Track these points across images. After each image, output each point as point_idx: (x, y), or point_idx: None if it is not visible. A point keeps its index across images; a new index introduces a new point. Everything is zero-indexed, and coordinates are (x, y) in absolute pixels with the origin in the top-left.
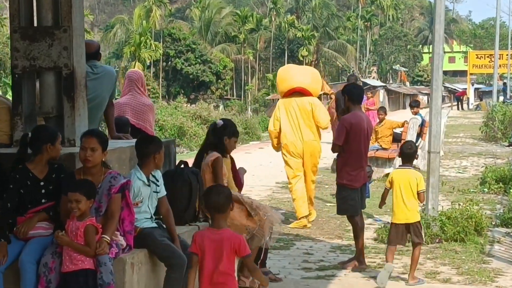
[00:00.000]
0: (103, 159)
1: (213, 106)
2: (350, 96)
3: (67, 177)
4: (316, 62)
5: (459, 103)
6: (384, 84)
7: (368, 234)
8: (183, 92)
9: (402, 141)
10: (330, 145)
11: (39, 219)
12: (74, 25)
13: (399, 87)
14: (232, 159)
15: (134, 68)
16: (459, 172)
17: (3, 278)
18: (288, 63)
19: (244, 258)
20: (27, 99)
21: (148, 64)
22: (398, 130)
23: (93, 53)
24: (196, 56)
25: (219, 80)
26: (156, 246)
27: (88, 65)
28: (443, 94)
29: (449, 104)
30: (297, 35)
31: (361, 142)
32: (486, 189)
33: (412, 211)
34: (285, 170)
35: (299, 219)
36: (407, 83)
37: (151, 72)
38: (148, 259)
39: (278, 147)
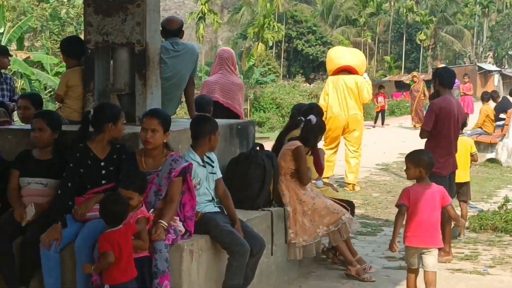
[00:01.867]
0: (165, 141)
1: None
2: (441, 80)
3: (128, 159)
4: (433, 46)
5: None
6: (499, 69)
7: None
8: (302, 72)
9: (505, 126)
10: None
11: (97, 201)
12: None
13: None
14: None
15: (257, 48)
16: None
17: (60, 259)
18: (406, 46)
19: (447, 207)
20: (100, 76)
21: (270, 44)
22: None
23: (175, 30)
24: (317, 38)
25: None
26: (218, 232)
27: (170, 42)
28: None
29: None
30: (415, 20)
31: (450, 127)
32: None
33: (466, 172)
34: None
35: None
36: None
37: (274, 52)
38: (210, 246)
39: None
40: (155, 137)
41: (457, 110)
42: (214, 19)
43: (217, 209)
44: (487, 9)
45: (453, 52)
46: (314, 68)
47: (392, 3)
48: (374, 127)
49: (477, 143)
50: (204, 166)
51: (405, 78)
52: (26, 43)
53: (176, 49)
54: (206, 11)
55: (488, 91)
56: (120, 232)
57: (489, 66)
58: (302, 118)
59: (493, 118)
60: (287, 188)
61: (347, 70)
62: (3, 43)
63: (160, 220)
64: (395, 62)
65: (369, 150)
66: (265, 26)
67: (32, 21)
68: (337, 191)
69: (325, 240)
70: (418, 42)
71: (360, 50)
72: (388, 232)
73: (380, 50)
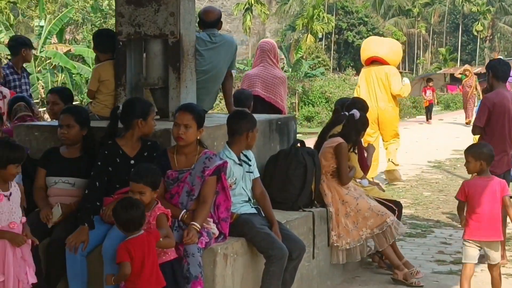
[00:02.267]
0: (198, 137)
1: None
2: (494, 72)
3: (159, 156)
4: (491, 37)
5: None
6: None
7: None
8: (353, 64)
9: None
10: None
11: None
12: None
13: None
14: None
15: (306, 40)
16: None
17: (86, 263)
18: (462, 37)
19: (505, 197)
20: (132, 69)
21: (320, 36)
22: None
23: (213, 21)
24: (368, 29)
25: None
26: (254, 235)
27: (207, 33)
28: None
29: None
30: (472, 10)
31: (505, 123)
32: None
33: None
34: None
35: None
36: None
37: (323, 45)
38: (246, 249)
39: None
40: (187, 133)
41: None
42: (261, 10)
43: (253, 210)
44: None
45: None
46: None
47: None
48: (428, 123)
49: None
50: (241, 165)
51: (457, 72)
52: (67, 36)
53: (214, 40)
54: (253, 2)
55: None
56: (141, 240)
57: None
58: (346, 113)
59: None
60: (328, 188)
61: (378, 61)
62: (43, 36)
63: (192, 222)
64: (450, 54)
65: (421, 147)
66: (314, 17)
67: (73, 13)
68: (384, 191)
69: (371, 243)
70: (475, 33)
71: (414, 41)
72: (439, 234)
73: (435, 42)
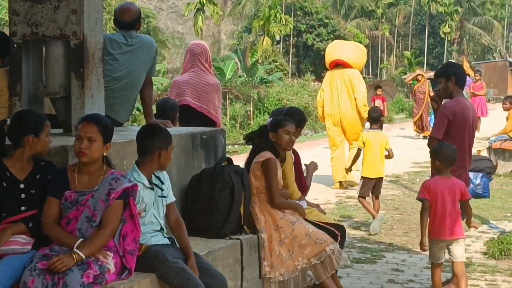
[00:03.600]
0: (104, 154)
1: None
2: (457, 78)
3: (56, 174)
4: (459, 39)
5: None
6: None
7: (477, 246)
8: (313, 69)
9: None
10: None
11: (15, 231)
12: None
13: None
14: (296, 155)
15: (262, 43)
16: None
17: None
18: (429, 39)
19: (467, 201)
20: (29, 76)
21: (277, 39)
22: None
23: (130, 22)
24: (329, 32)
25: None
26: (166, 270)
27: (122, 34)
28: None
29: None
30: (439, 11)
31: (465, 136)
32: None
33: (381, 168)
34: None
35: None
36: None
37: (281, 48)
38: (156, 287)
39: (323, 117)
40: (91, 147)
41: (472, 115)
42: (214, 11)
43: (166, 241)
44: None
45: (482, 46)
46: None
47: None
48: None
49: (502, 151)
50: (152, 189)
51: (408, 78)
52: None
53: (130, 42)
54: (205, 2)
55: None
56: None
57: None
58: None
59: None
60: (261, 211)
61: (342, 65)
62: None
63: (74, 249)
64: (416, 57)
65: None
66: (271, 18)
67: None
68: (325, 213)
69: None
70: (442, 35)
71: (378, 44)
72: (391, 259)
73: (400, 45)
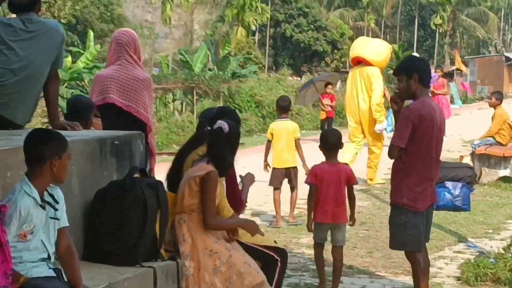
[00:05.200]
0: None
1: None
2: (422, 75)
3: None
4: (451, 32)
5: None
6: None
7: (450, 270)
8: (292, 63)
9: None
10: None
11: None
12: None
13: None
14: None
15: (236, 34)
16: None
17: None
18: (418, 31)
19: (352, 186)
20: None
21: (253, 29)
22: None
23: (27, 3)
24: (309, 22)
25: (335, 50)
26: None
27: (20, 19)
28: None
29: None
30: (430, 0)
31: (432, 143)
32: None
33: (291, 157)
34: None
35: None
36: None
37: (257, 39)
38: None
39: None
40: None
41: (440, 119)
42: None
43: (51, 273)
44: None
45: (476, 39)
46: (307, 59)
47: None
48: None
49: (487, 157)
50: (43, 207)
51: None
52: None
53: (30, 29)
54: None
55: (500, 91)
56: None
57: None
58: (208, 128)
59: (510, 124)
60: (189, 233)
61: (363, 62)
62: None
63: None
64: (404, 51)
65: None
66: (246, 6)
67: None
68: (263, 234)
69: None
70: (433, 27)
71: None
72: (349, 285)
73: (387, 37)
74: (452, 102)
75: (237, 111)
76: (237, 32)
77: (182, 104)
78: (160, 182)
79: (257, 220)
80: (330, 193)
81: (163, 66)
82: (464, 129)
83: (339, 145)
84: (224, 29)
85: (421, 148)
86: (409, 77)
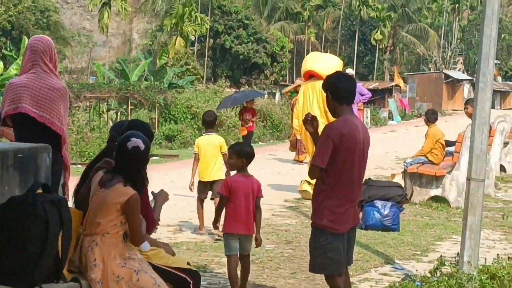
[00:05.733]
0: None
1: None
2: (334, 92)
3: None
4: (391, 48)
5: None
6: (470, 78)
7: None
8: (231, 74)
9: (455, 154)
10: None
11: None
12: None
13: None
14: None
15: (174, 44)
16: None
17: None
18: (359, 46)
19: (258, 198)
20: None
21: (192, 40)
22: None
23: None
24: (249, 34)
25: (275, 63)
26: None
27: None
28: None
29: None
30: (370, 16)
31: (354, 163)
32: None
33: (216, 171)
34: None
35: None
36: (499, 78)
37: (196, 50)
38: None
39: (299, 130)
40: None
41: (363, 137)
42: (122, 6)
43: None
44: (457, 5)
45: (416, 56)
46: (246, 71)
47: None
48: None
49: (419, 176)
50: None
51: (286, 89)
52: None
53: None
54: None
55: (434, 109)
56: None
57: (458, 74)
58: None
59: (443, 143)
60: (101, 257)
61: (315, 76)
62: None
63: None
64: (344, 66)
65: (286, 180)
66: (185, 16)
67: None
68: (174, 254)
69: None
70: (374, 42)
71: (303, 50)
72: None
73: (328, 51)
74: (391, 118)
75: (172, 122)
76: (176, 42)
77: (116, 114)
78: (63, 199)
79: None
80: (242, 205)
81: (98, 75)
82: (399, 146)
83: (252, 158)
84: (162, 38)
85: (342, 169)
86: (326, 95)
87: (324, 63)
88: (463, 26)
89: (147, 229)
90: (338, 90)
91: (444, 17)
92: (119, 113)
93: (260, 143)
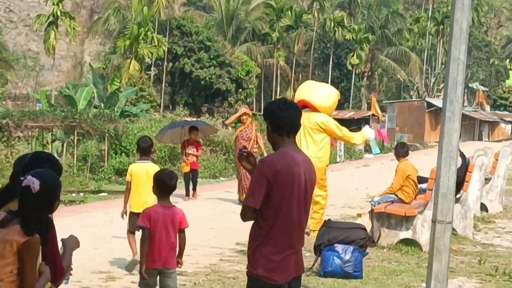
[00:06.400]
0: None
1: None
2: (273, 120)
3: None
4: (369, 73)
5: None
6: None
7: None
8: (191, 102)
9: (428, 192)
10: None
11: None
12: None
13: (475, 111)
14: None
15: (128, 68)
16: None
17: None
18: (333, 71)
19: (183, 230)
20: None
21: (148, 63)
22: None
23: None
24: (211, 57)
25: (240, 89)
26: None
27: None
28: None
29: None
30: (346, 38)
31: (293, 203)
32: None
33: (150, 201)
34: None
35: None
36: (487, 107)
37: (152, 75)
38: None
39: None
40: None
41: (306, 173)
42: (70, 25)
43: None
44: (441, 26)
45: (396, 82)
46: (208, 98)
47: (316, 14)
48: (187, 199)
49: (387, 216)
50: None
51: (230, 119)
52: None
53: None
54: (58, 14)
55: (405, 142)
56: None
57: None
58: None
59: (415, 180)
60: None
61: (308, 107)
62: None
63: None
64: None
65: (233, 221)
66: (140, 37)
67: None
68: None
69: None
70: (350, 67)
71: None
72: None
73: (300, 76)
74: (368, 151)
75: (124, 155)
76: (130, 65)
77: (62, 145)
78: None
79: (118, 283)
80: (163, 237)
81: (42, 102)
82: (372, 182)
83: (174, 187)
84: (116, 62)
85: (279, 210)
86: (266, 123)
87: (320, 93)
88: (448, 50)
89: (56, 279)
90: (279, 119)
91: (427, 39)
92: (65, 144)
93: (221, 178)
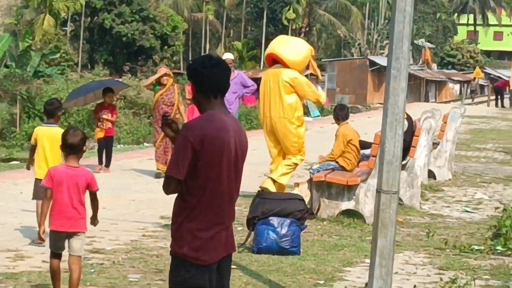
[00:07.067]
0: None
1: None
2: (197, 82)
3: None
4: (307, 29)
5: (499, 97)
6: None
7: None
8: (111, 60)
9: (372, 159)
10: None
11: None
12: None
13: (421, 70)
14: None
15: (42, 24)
16: (467, 211)
17: None
18: (268, 27)
19: (94, 192)
20: None
21: (64, 18)
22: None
23: None
24: (134, 11)
25: (166, 47)
26: None
27: None
28: (482, 83)
29: (486, 98)
30: None
31: (222, 173)
32: (500, 247)
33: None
34: None
35: None
36: (434, 66)
37: (69, 31)
38: None
39: None
40: None
41: (237, 140)
42: None
43: None
44: None
45: (336, 39)
46: (130, 56)
47: None
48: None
49: (327, 185)
50: None
51: (147, 81)
52: None
53: None
54: None
55: (344, 104)
56: None
57: (386, 60)
58: None
59: (357, 145)
60: None
61: (279, 62)
62: None
63: None
64: (250, 50)
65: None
66: None
67: None
68: None
69: None
70: (286, 22)
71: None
72: None
73: (231, 32)
74: (306, 113)
75: (38, 119)
76: (44, 21)
77: None
78: None
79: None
80: (66, 199)
81: None
82: (310, 148)
83: (81, 147)
84: (29, 17)
85: (208, 182)
86: (191, 83)
87: (292, 48)
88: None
89: None
90: (203, 78)
91: None
92: None
93: (145, 144)
